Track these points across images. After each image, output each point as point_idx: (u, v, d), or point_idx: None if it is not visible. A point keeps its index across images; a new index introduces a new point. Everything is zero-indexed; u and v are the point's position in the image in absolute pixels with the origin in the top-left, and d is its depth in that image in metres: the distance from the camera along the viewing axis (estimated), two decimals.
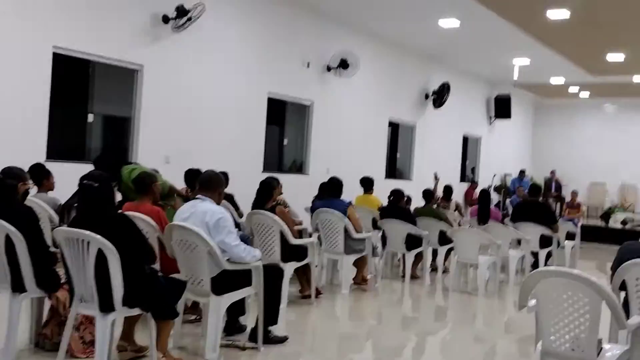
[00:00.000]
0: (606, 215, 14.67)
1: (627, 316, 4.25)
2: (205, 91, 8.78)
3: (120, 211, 4.71)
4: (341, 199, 7.00)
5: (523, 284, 3.54)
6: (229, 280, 4.28)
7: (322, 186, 7.56)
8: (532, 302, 3.50)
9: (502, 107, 16.26)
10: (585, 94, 18.16)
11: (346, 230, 6.75)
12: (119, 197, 5.45)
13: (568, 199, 14.98)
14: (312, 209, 7.21)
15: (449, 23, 10.80)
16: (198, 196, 4.42)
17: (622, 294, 4.32)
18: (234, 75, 9.24)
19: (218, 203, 4.47)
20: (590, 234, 13.72)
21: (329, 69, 10.93)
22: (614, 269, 4.29)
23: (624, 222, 13.49)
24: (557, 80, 15.89)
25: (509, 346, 5.68)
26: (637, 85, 15.92)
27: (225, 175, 7.26)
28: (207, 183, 4.49)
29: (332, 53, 10.92)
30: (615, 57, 12.69)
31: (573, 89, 17.40)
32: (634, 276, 4.14)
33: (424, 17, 10.60)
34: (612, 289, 4.34)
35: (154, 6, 7.96)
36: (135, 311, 3.74)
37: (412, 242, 7.71)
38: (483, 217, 8.95)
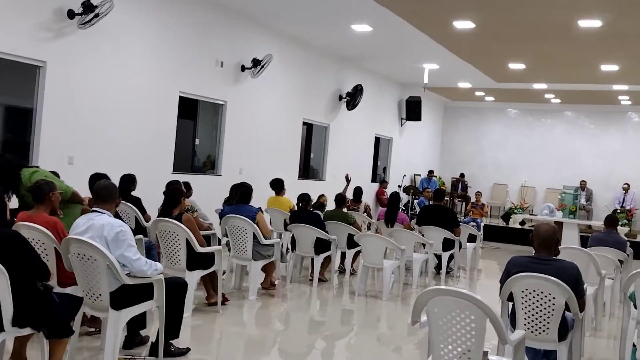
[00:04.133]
0: (506, 216, 15.44)
1: (514, 325, 4.54)
2: (113, 89, 8.52)
3: (15, 220, 4.53)
4: (250, 205, 7.02)
5: (416, 300, 3.69)
6: (128, 294, 4.21)
7: (233, 188, 7.54)
8: (424, 317, 3.67)
9: (413, 110, 16.74)
10: (490, 99, 19.00)
11: (255, 237, 6.77)
12: (17, 203, 5.23)
13: (473, 199, 15.68)
14: (221, 215, 7.18)
15: (362, 28, 11.00)
16: (94, 209, 4.29)
17: (511, 304, 4.61)
18: (144, 73, 9.02)
19: (114, 214, 4.37)
20: (492, 234, 14.45)
21: (243, 68, 10.87)
22: (503, 281, 4.55)
23: (522, 223, 14.25)
24: (464, 85, 16.54)
25: (411, 349, 5.90)
26: (536, 92, 16.84)
27: (131, 177, 7.14)
28: (103, 194, 4.32)
29: (246, 53, 10.88)
30: (516, 66, 13.35)
31: (479, 93, 18.17)
32: (520, 288, 4.41)
33: (337, 21, 10.74)
34: (501, 300, 4.61)
35: (59, 0, 7.63)
36: (26, 331, 3.61)
37: (321, 246, 7.84)
38: (391, 219, 9.22)
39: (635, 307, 5.39)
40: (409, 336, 6.43)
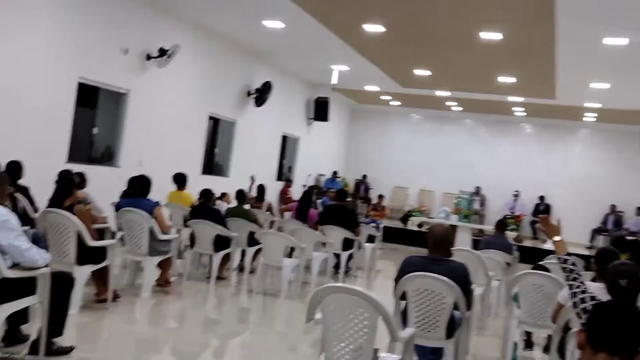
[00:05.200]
0: (405, 218, 15.90)
1: (406, 323, 4.65)
2: (4, 73, 7.97)
3: None
4: (148, 199, 6.78)
5: (311, 298, 3.70)
6: (9, 288, 3.94)
7: (131, 181, 7.26)
8: (318, 315, 3.68)
9: (321, 110, 16.88)
10: (396, 103, 19.50)
11: (151, 231, 6.56)
12: None
13: (375, 201, 16.04)
14: (117, 208, 6.90)
15: (274, 24, 10.95)
16: None
17: (403, 303, 4.72)
18: (40, 58, 8.50)
19: (2, 203, 4.09)
20: (391, 235, 14.82)
21: (148, 57, 10.52)
22: (397, 280, 4.66)
23: (420, 225, 14.72)
24: (371, 88, 16.87)
25: (307, 347, 5.92)
26: (439, 99, 17.46)
27: (18, 164, 6.71)
28: None
29: (153, 41, 10.53)
30: (422, 72, 13.77)
31: (386, 97, 18.59)
32: (413, 287, 4.53)
33: (249, 15, 10.62)
34: (395, 299, 4.72)
35: None
36: None
37: (221, 242, 7.72)
38: (303, 217, 9.25)
39: (519, 307, 5.69)
40: (305, 335, 6.44)
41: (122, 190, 7.74)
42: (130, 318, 6.15)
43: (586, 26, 8.85)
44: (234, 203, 9.17)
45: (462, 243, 11.69)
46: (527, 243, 16.04)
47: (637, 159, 17.24)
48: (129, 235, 6.65)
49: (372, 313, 3.50)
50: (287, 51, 13.44)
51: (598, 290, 3.64)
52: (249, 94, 13.99)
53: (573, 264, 3.71)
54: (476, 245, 9.71)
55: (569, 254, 3.77)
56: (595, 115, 16.82)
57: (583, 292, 3.57)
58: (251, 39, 12.55)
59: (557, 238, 3.93)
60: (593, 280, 4.35)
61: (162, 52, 10.60)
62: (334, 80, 14.91)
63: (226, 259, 7.97)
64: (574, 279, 3.63)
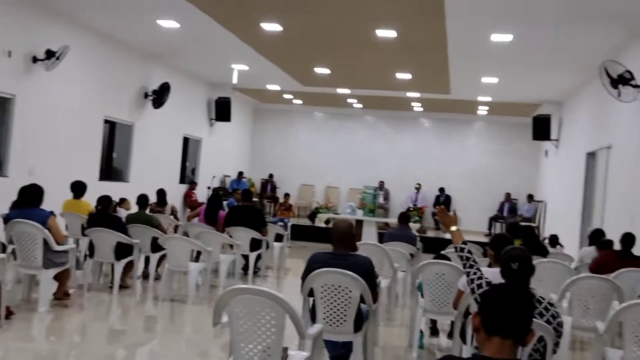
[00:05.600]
0: (312, 215, 16.03)
1: (314, 319, 4.67)
2: None
3: None
4: (41, 209, 6.42)
5: (217, 301, 3.63)
6: None
7: (21, 191, 6.83)
8: (225, 318, 3.62)
9: (222, 110, 16.65)
10: (298, 102, 19.60)
11: (46, 243, 6.21)
12: None
13: (282, 199, 16.04)
14: (6, 219, 6.48)
15: (169, 24, 10.68)
16: None
17: (312, 299, 4.74)
18: None
19: None
20: (300, 233, 14.90)
21: (35, 60, 9.95)
22: (304, 277, 4.66)
23: (327, 222, 14.87)
24: (273, 87, 16.85)
25: (217, 352, 5.81)
26: (340, 97, 17.74)
27: None
28: None
29: (38, 43, 9.97)
30: (322, 70, 13.91)
31: (288, 96, 18.65)
32: (319, 284, 4.56)
33: (142, 15, 10.30)
34: (303, 296, 4.73)
35: None
36: None
37: (122, 250, 7.44)
38: (212, 219, 9.08)
39: (422, 296, 5.88)
40: (215, 339, 6.31)
41: (11, 201, 7.28)
42: (26, 335, 5.79)
43: (474, 23, 9.26)
44: (135, 209, 8.87)
45: (368, 237, 11.95)
46: (431, 234, 16.64)
47: (527, 150, 18.29)
48: (21, 248, 6.26)
49: (279, 312, 3.48)
50: (184, 51, 13.16)
51: (493, 275, 3.80)
52: (146, 95, 13.58)
53: (469, 252, 3.87)
54: (382, 238, 9.93)
55: (465, 243, 3.92)
56: (487, 108, 17.70)
57: (479, 277, 3.72)
58: (146, 40, 12.19)
59: (453, 228, 4.08)
60: (489, 266, 4.56)
61: (50, 54, 10.05)
62: (235, 80, 14.76)
63: (129, 266, 7.69)
64: (471, 266, 3.78)
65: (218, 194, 9.54)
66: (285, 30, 10.47)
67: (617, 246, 7.12)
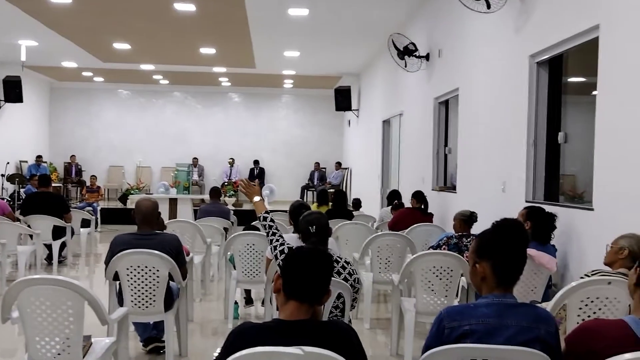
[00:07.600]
0: (124, 197, 15.39)
1: (122, 303, 4.53)
2: None
3: None
4: None
5: (5, 295, 3.37)
6: None
7: None
8: (16, 313, 3.37)
9: (12, 90, 15.08)
10: (100, 79, 18.51)
11: None
12: None
13: (88, 183, 15.16)
14: None
15: None
16: None
17: (118, 283, 4.59)
18: None
19: None
20: (111, 217, 14.23)
21: None
22: (107, 261, 4.49)
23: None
24: (69, 64, 15.71)
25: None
26: (145, 73, 17.08)
27: None
28: None
29: None
30: (121, 45, 13.25)
31: (87, 74, 17.52)
32: (124, 266, 4.42)
33: None
34: (107, 281, 4.56)
35: None
36: None
37: None
38: None
39: (235, 268, 5.97)
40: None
41: None
42: None
43: None
44: None
45: (184, 215, 11.75)
46: (247, 207, 16.83)
47: (332, 120, 19.20)
48: None
49: (76, 300, 3.32)
50: None
51: (294, 240, 3.98)
52: None
53: (272, 220, 4.00)
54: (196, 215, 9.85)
55: (267, 212, 4.05)
56: (292, 81, 18.20)
57: (282, 244, 3.87)
58: None
59: (256, 199, 4.18)
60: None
61: None
62: (23, 57, 13.49)
63: None
64: (273, 234, 3.91)
65: None
66: (75, 2, 9.78)
67: (409, 205, 7.82)
